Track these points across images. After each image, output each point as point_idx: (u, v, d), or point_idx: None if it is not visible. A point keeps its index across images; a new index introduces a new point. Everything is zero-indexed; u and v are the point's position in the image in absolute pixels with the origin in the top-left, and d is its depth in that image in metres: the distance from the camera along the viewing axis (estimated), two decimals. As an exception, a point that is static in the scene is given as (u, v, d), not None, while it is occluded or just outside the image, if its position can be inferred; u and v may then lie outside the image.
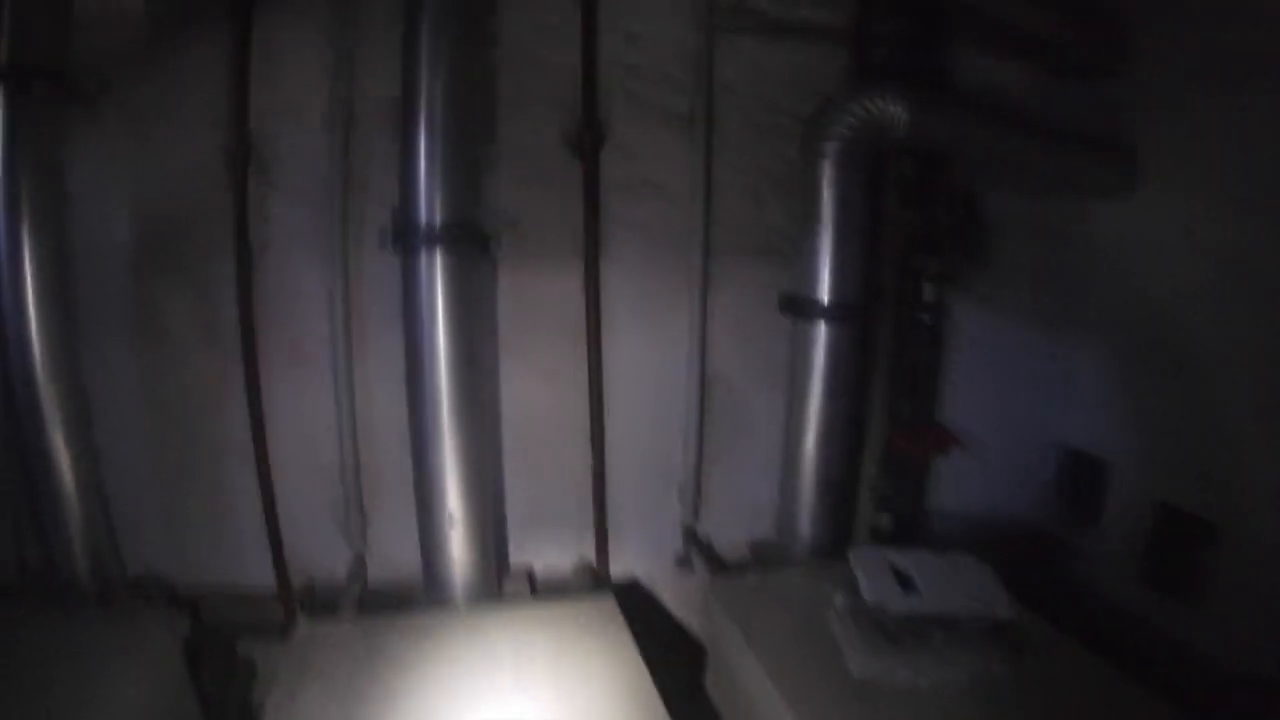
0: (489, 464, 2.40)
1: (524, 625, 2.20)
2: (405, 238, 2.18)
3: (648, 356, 2.72)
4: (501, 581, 2.54)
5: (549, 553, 2.78)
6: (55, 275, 2.21)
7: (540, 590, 2.67)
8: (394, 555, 2.55)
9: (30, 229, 2.14)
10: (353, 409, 2.54)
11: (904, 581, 2.06)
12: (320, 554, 2.66)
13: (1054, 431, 3.03)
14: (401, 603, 2.48)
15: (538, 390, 2.66)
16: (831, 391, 2.52)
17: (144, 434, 2.54)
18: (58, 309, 2.21)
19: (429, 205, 2.17)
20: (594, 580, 2.74)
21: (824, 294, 2.47)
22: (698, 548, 2.77)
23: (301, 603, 2.62)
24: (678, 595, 2.88)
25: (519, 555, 2.76)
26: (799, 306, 2.53)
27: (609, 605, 2.28)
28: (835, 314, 2.48)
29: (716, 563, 2.72)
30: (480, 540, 2.35)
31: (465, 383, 2.23)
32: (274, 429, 2.57)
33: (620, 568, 2.83)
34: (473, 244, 2.23)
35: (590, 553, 2.80)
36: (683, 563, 2.82)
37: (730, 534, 2.86)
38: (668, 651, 2.73)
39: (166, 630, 2.08)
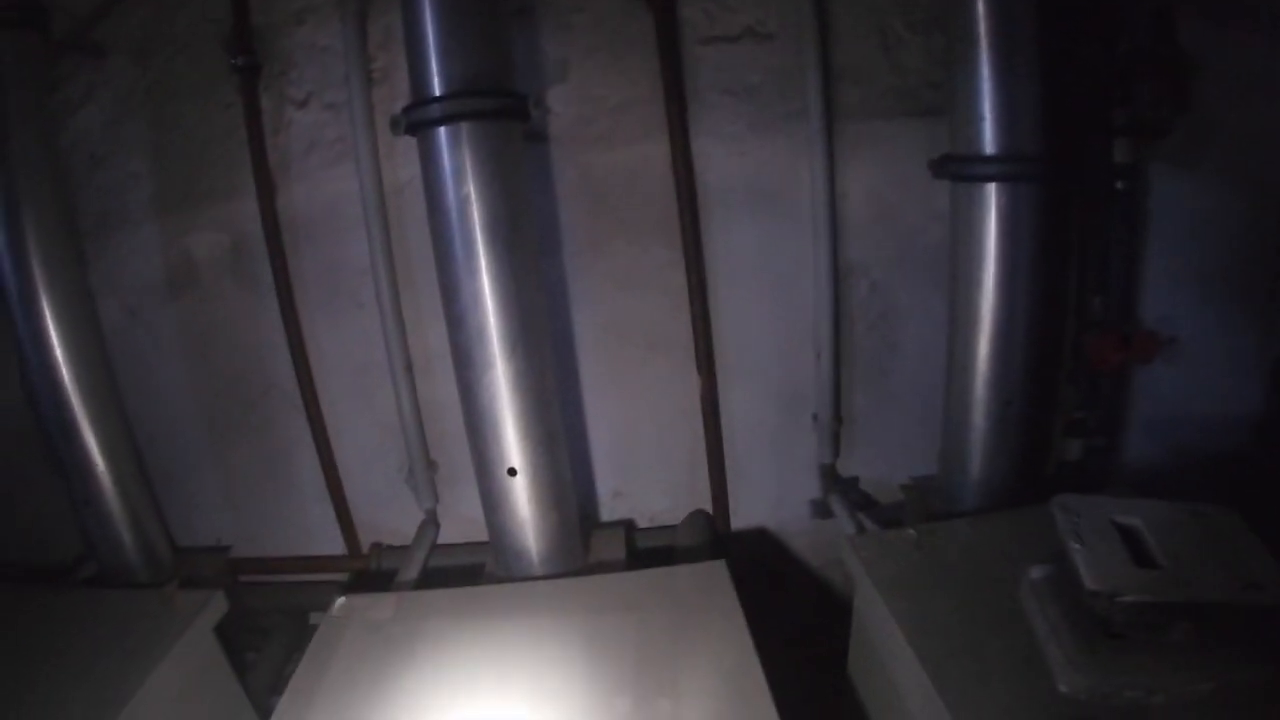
0: (558, 396, 1.80)
1: (607, 599, 1.64)
2: (418, 114, 1.58)
3: (763, 249, 2.02)
4: (589, 542, 1.96)
5: (653, 501, 2.20)
6: (63, 239, 1.80)
7: (643, 550, 2.10)
8: (471, 511, 2.01)
9: (26, 192, 1.72)
10: (404, 343, 2.02)
11: (1136, 550, 1.31)
12: (388, 513, 2.21)
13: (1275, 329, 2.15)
14: (479, 568, 1.97)
15: (622, 299, 2.05)
16: (1010, 277, 1.75)
17: (188, 392, 2.15)
18: (67, 273, 1.80)
19: (443, 70, 1.55)
20: (710, 532, 2.13)
21: (989, 144, 1.70)
22: (839, 490, 2.11)
23: (364, 571, 2.18)
24: (816, 548, 2.24)
25: (614, 507, 2.20)
26: (958, 166, 1.77)
27: (718, 574, 1.67)
28: (1009, 170, 1.70)
29: (862, 507, 2.06)
30: (552, 494, 1.79)
31: (514, 293, 1.64)
32: (322, 374, 2.10)
33: (743, 516, 2.21)
34: (506, 112, 1.61)
35: (705, 499, 2.18)
36: (820, 509, 2.16)
37: (879, 472, 2.18)
38: (803, 619, 2.11)
39: (199, 611, 1.66)
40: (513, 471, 1.72)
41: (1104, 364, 2.01)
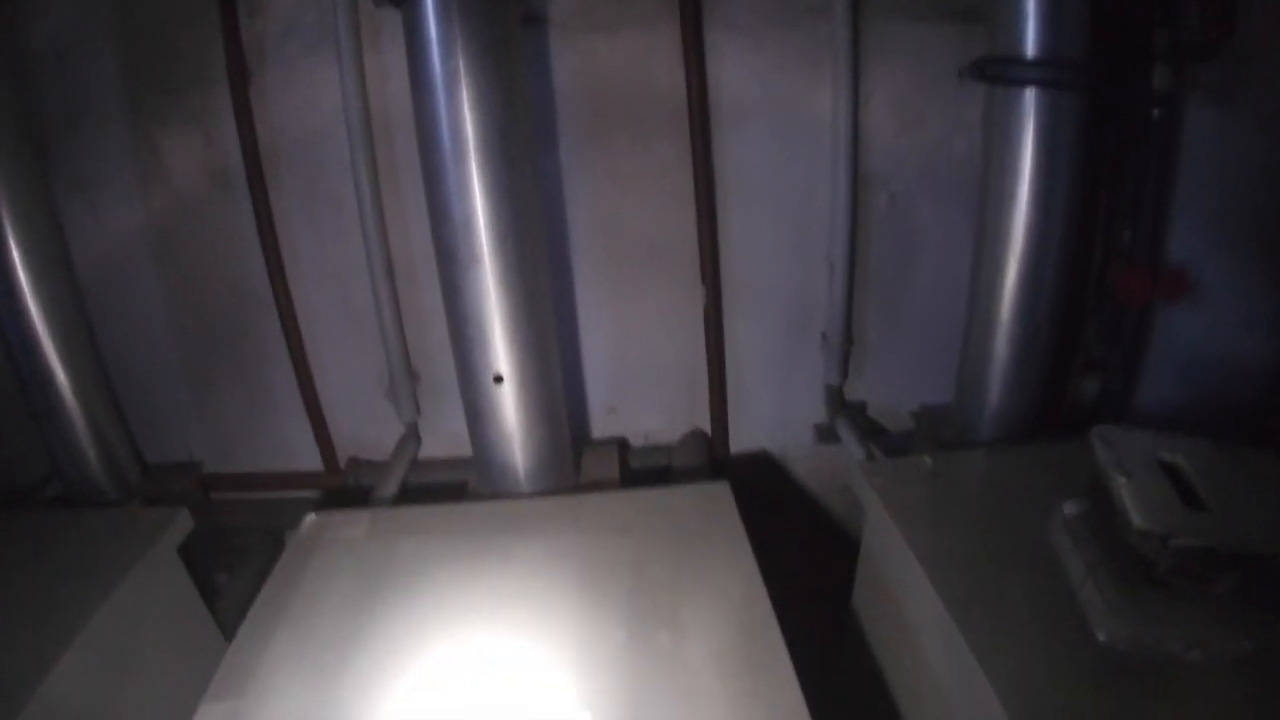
0: (551, 301, 1.62)
1: (601, 520, 1.48)
2: (401, -23, 1.36)
3: (777, 152, 1.81)
4: (580, 460, 1.81)
5: (649, 419, 2.03)
6: (22, 138, 1.61)
7: (637, 470, 1.95)
8: (455, 426, 1.86)
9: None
10: (385, 245, 1.81)
11: (1182, 490, 1.16)
12: (367, 427, 2.04)
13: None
14: (461, 486, 1.82)
15: (623, 201, 1.84)
16: (1045, 194, 1.57)
17: (157, 299, 1.94)
18: (26, 173, 1.62)
19: (432, -74, 1.33)
20: (708, 453, 1.98)
21: (1032, 47, 1.49)
22: (846, 414, 1.96)
23: (340, 488, 2.02)
24: (817, 474, 2.09)
25: (607, 424, 2.03)
26: (997, 68, 1.56)
27: (721, 496, 1.52)
28: (1051, 75, 1.50)
29: (870, 435, 1.90)
30: (542, 405, 1.61)
31: (505, 181, 1.44)
32: (298, 279, 1.90)
33: (742, 438, 2.06)
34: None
35: (703, 418, 2.02)
36: (824, 434, 2.01)
37: (888, 399, 2.02)
38: (801, 548, 1.98)
39: (162, 530, 1.50)
40: (499, 378, 1.55)
41: (1131, 300, 1.85)
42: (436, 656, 1.18)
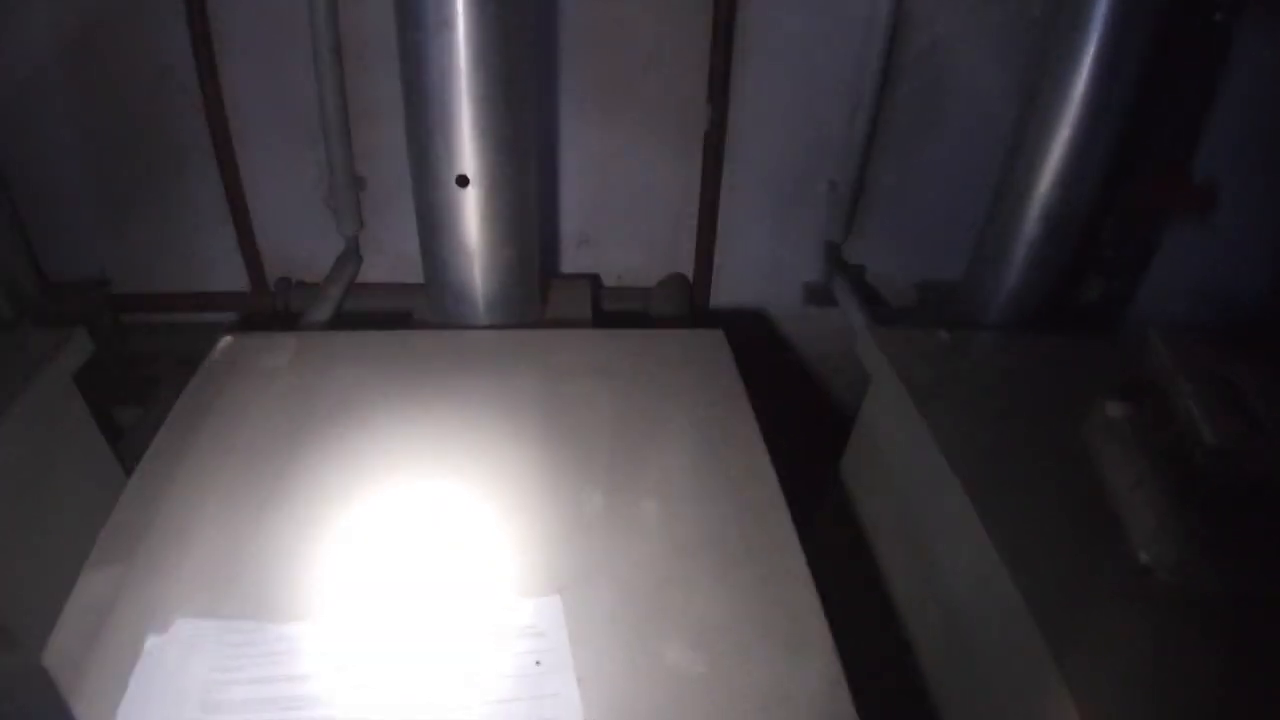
0: (531, 101, 1.29)
1: (574, 362, 1.24)
2: None
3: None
4: (547, 293, 1.55)
5: (625, 256, 1.78)
6: None
7: (609, 312, 1.72)
8: (404, 245, 1.58)
9: None
10: (334, 16, 1.45)
11: (1244, 409, 1.00)
12: (303, 241, 1.73)
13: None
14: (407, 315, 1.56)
15: (625, 4, 1.52)
16: (1113, 61, 1.33)
17: (63, 86, 1.54)
18: None
19: None
20: (689, 300, 1.76)
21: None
22: (844, 276, 1.74)
23: (268, 311, 1.74)
24: (805, 337, 1.89)
25: (577, 258, 1.77)
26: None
27: (716, 346, 1.29)
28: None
29: (868, 302, 1.69)
30: (513, 218, 1.32)
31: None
32: (226, 59, 1.53)
33: (725, 288, 1.83)
34: None
35: (685, 262, 1.78)
36: (816, 294, 1.79)
37: (887, 267, 1.81)
38: (781, 416, 1.81)
39: (54, 353, 1.23)
40: (464, 180, 1.24)
41: (1160, 203, 1.67)
42: (369, 516, 0.94)
